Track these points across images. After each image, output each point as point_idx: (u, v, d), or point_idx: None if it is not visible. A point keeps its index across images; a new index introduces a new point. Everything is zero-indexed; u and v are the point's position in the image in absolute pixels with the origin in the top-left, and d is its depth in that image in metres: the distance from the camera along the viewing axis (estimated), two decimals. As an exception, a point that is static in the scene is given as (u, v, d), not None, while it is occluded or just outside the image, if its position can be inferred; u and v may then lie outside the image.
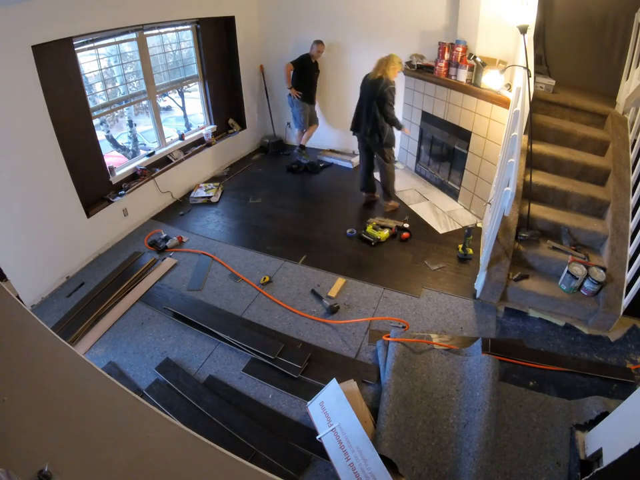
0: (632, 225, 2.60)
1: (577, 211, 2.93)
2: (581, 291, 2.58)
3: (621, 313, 2.46)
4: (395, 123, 3.64)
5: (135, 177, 3.86)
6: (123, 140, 5.17)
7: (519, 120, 2.48)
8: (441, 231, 3.68)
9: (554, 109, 3.28)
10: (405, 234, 3.55)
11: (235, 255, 3.43)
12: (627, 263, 2.54)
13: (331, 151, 5.34)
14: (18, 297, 1.10)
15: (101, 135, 4.03)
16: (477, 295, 2.86)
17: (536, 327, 2.63)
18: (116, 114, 5.12)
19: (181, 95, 5.78)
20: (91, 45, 3.27)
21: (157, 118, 4.13)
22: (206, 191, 4.38)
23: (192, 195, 4.33)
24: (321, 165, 5.03)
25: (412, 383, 2.20)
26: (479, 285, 2.87)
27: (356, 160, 5.08)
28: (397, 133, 3.88)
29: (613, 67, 3.53)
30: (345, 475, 1.77)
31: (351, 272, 3.17)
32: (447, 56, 3.87)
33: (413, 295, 2.93)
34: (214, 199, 4.28)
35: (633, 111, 3.01)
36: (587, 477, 1.50)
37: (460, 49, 3.66)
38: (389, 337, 2.44)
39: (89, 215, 3.34)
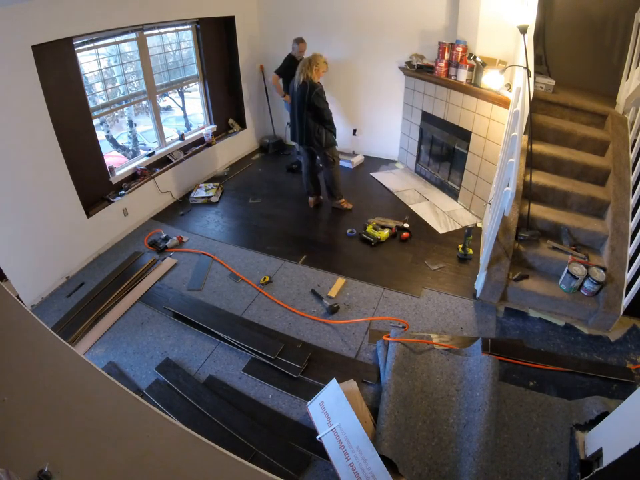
0: (632, 225, 2.60)
1: (577, 210, 2.93)
2: (581, 291, 2.58)
3: (621, 313, 2.46)
4: (332, 127, 3.60)
5: (135, 177, 3.86)
6: (123, 140, 5.17)
7: (519, 120, 2.48)
8: (441, 230, 3.68)
9: (554, 109, 3.28)
10: (405, 234, 3.55)
11: (234, 255, 3.43)
12: (627, 263, 2.54)
13: (331, 151, 5.33)
14: (18, 297, 1.10)
15: (101, 135, 4.04)
16: (477, 295, 2.86)
17: (536, 327, 2.63)
18: (116, 114, 5.13)
19: (181, 95, 5.78)
20: (91, 45, 3.27)
21: (157, 118, 4.13)
22: (206, 190, 4.38)
23: (192, 195, 4.33)
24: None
25: (412, 383, 2.20)
26: (478, 285, 2.87)
27: (356, 160, 5.08)
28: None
29: (613, 67, 3.53)
30: (345, 474, 1.77)
31: (351, 272, 3.17)
32: (447, 56, 3.87)
33: (413, 295, 2.93)
34: (214, 199, 4.28)
35: (633, 110, 3.01)
36: (587, 477, 1.50)
37: (460, 49, 3.66)
38: (388, 336, 2.44)
39: (89, 215, 3.35)
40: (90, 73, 3.47)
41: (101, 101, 3.59)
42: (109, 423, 0.89)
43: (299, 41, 4.36)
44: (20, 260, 2.82)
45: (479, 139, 3.66)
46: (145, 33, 3.72)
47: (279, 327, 2.70)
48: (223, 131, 5.08)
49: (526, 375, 2.29)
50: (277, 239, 3.67)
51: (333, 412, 1.97)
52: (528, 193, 2.84)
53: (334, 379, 2.08)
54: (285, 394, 2.25)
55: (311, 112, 3.48)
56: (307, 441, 1.99)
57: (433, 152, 4.53)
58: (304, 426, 2.08)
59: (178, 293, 3.00)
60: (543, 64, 3.86)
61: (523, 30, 2.59)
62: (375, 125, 5.12)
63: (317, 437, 1.94)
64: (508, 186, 2.36)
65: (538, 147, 3.04)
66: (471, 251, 3.31)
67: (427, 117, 4.40)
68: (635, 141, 2.86)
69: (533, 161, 2.93)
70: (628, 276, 2.47)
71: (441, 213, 3.97)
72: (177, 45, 4.37)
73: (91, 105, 3.35)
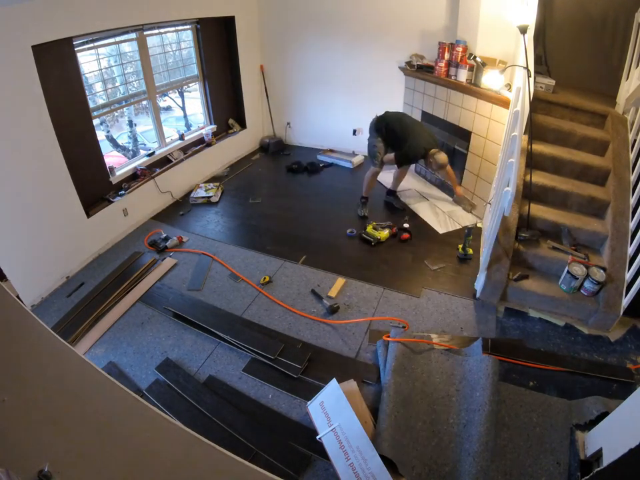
0: (632, 225, 2.59)
1: (577, 211, 2.93)
2: (581, 291, 2.58)
3: (621, 313, 2.46)
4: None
5: (135, 177, 3.86)
6: (123, 140, 5.18)
7: (519, 120, 2.48)
8: (441, 230, 3.68)
9: (554, 109, 3.27)
10: (405, 234, 3.55)
11: (234, 255, 3.43)
12: (627, 263, 2.54)
13: (331, 150, 5.34)
14: (18, 297, 1.10)
15: (101, 135, 4.03)
16: (477, 295, 2.86)
17: (536, 327, 2.63)
18: (116, 114, 5.13)
19: (181, 95, 5.78)
20: (91, 45, 3.27)
21: (157, 118, 4.13)
22: (206, 190, 4.38)
23: (192, 195, 4.33)
24: (320, 165, 5.03)
25: (412, 383, 2.20)
26: (478, 285, 2.87)
27: (356, 160, 5.08)
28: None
29: (613, 67, 3.53)
30: (345, 474, 1.77)
31: (351, 272, 3.17)
32: (447, 56, 3.87)
33: (413, 295, 2.93)
34: (214, 199, 4.28)
35: (633, 110, 3.01)
36: (586, 477, 1.50)
37: (460, 49, 3.66)
38: (388, 336, 2.44)
39: (89, 215, 3.35)
40: (90, 73, 3.47)
41: (100, 101, 3.59)
42: (109, 423, 0.89)
43: None
44: (20, 260, 2.82)
45: (479, 139, 3.66)
46: (145, 33, 3.72)
47: (279, 327, 2.70)
48: (222, 131, 5.08)
49: (526, 375, 2.29)
50: (276, 239, 3.67)
51: (333, 412, 1.97)
52: (528, 193, 2.84)
53: (334, 379, 2.08)
54: (285, 394, 2.25)
55: None
56: (307, 441, 1.99)
57: (433, 152, 4.53)
58: (304, 426, 2.08)
59: (178, 293, 3.00)
60: (543, 64, 3.86)
61: (523, 30, 2.59)
62: (375, 124, 5.12)
63: (317, 437, 1.94)
64: (508, 186, 2.36)
65: (538, 147, 3.04)
66: (470, 251, 3.31)
67: (427, 117, 4.40)
68: (635, 140, 2.86)
69: (533, 161, 2.93)
70: (628, 276, 2.47)
71: (440, 212, 3.97)
72: (177, 45, 4.37)
73: (91, 105, 3.35)
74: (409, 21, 4.27)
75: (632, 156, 2.85)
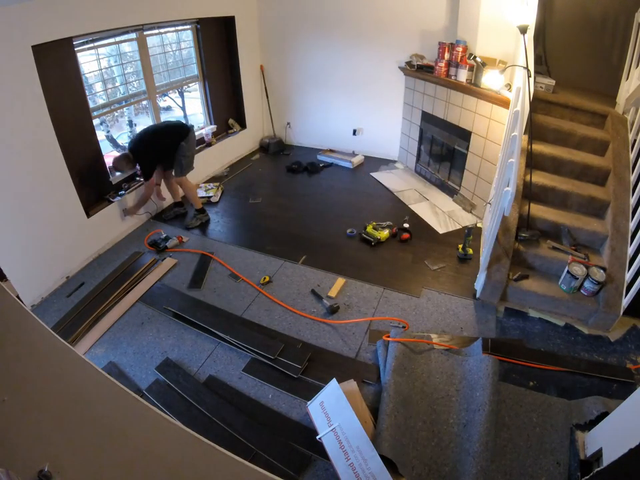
0: (632, 225, 2.59)
1: (577, 211, 2.93)
2: (581, 291, 2.58)
3: (621, 313, 2.46)
4: None
5: (135, 177, 3.86)
6: (123, 140, 5.17)
7: (519, 120, 2.48)
8: (441, 230, 3.68)
9: (554, 109, 3.28)
10: (405, 234, 3.55)
11: (234, 255, 3.43)
12: (627, 263, 2.54)
13: (331, 150, 5.35)
14: (18, 297, 1.10)
15: (100, 135, 4.03)
16: (477, 295, 2.86)
17: (536, 327, 2.63)
18: (116, 114, 5.12)
19: (181, 95, 5.77)
20: (91, 44, 3.27)
21: (157, 118, 4.13)
22: (206, 191, 4.38)
23: (192, 195, 4.33)
24: (320, 165, 5.03)
25: (412, 383, 2.20)
26: (478, 285, 2.87)
27: (356, 160, 5.08)
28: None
29: (613, 66, 3.53)
30: (345, 474, 1.77)
31: (351, 272, 3.17)
32: (447, 56, 3.87)
33: (413, 295, 2.93)
34: (214, 199, 4.28)
35: (633, 110, 3.01)
36: (586, 477, 1.50)
37: (460, 49, 3.67)
38: (388, 336, 2.44)
39: (89, 215, 3.34)
40: (90, 73, 3.47)
41: (100, 101, 3.59)
42: (109, 422, 0.89)
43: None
44: (20, 260, 2.82)
45: (479, 139, 3.66)
46: (145, 33, 3.72)
47: (279, 327, 2.70)
48: (223, 131, 5.08)
49: (526, 375, 2.29)
50: (277, 239, 3.67)
51: (333, 412, 1.97)
52: (528, 193, 2.84)
53: (334, 379, 2.08)
54: (285, 394, 2.25)
55: None
56: (307, 441, 1.99)
57: (433, 152, 4.53)
58: (304, 426, 2.08)
59: (178, 293, 3.00)
60: (543, 64, 3.86)
61: (523, 30, 2.59)
62: (375, 124, 5.13)
63: (317, 437, 1.94)
64: (508, 186, 2.36)
65: (538, 147, 3.04)
66: (470, 251, 3.31)
67: (427, 117, 4.40)
68: (635, 140, 2.86)
69: (533, 161, 2.93)
70: (628, 276, 2.47)
71: (440, 212, 3.97)
72: (177, 45, 4.37)
73: (91, 105, 3.35)
74: (409, 21, 4.27)
75: (632, 156, 2.85)
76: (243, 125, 5.31)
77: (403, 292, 2.96)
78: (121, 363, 2.46)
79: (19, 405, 0.78)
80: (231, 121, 5.20)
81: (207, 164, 4.78)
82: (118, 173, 3.60)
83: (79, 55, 3.14)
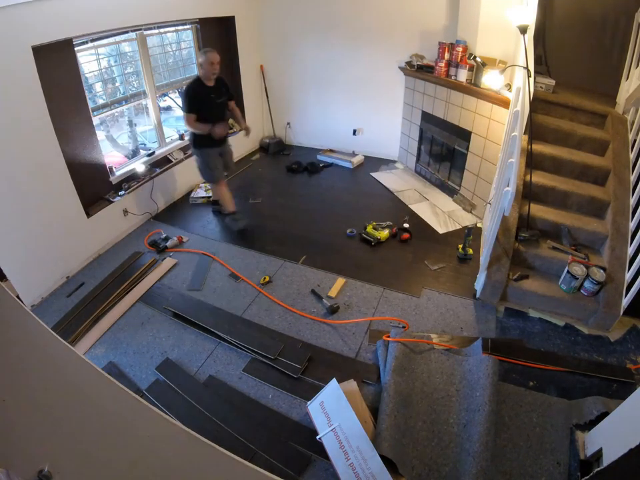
0: (632, 225, 2.59)
1: (577, 211, 2.93)
2: (581, 291, 2.58)
3: (621, 313, 2.46)
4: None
5: (135, 177, 3.86)
6: (123, 140, 5.17)
7: (519, 120, 2.48)
8: (441, 230, 3.68)
9: (554, 109, 3.28)
10: (405, 234, 3.54)
11: (234, 255, 3.43)
12: (627, 263, 2.54)
13: (331, 150, 5.34)
14: (18, 297, 1.10)
15: (100, 134, 4.03)
16: (477, 295, 2.86)
17: (536, 327, 2.63)
18: (116, 114, 5.12)
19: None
20: (91, 44, 3.26)
21: (157, 118, 4.13)
22: (206, 191, 4.38)
23: (192, 195, 4.33)
24: (320, 165, 5.03)
25: (412, 383, 2.20)
26: (479, 285, 2.87)
27: (356, 160, 5.08)
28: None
29: (613, 67, 3.53)
30: (345, 475, 1.77)
31: (351, 272, 3.17)
32: (447, 56, 3.87)
33: (413, 295, 2.93)
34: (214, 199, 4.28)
35: (633, 110, 3.01)
36: (586, 477, 1.50)
37: (460, 49, 3.66)
38: (388, 337, 2.44)
39: (89, 215, 3.35)
40: (90, 73, 3.47)
41: (101, 101, 3.59)
42: (109, 422, 0.89)
43: (207, 52, 3.11)
44: (20, 260, 2.82)
45: (479, 139, 3.66)
46: (145, 32, 3.72)
47: (279, 327, 2.70)
48: (223, 131, 5.07)
49: (526, 375, 2.29)
50: (277, 238, 3.67)
51: (333, 412, 1.97)
52: (528, 193, 2.84)
53: (334, 379, 2.08)
54: (285, 394, 2.25)
55: None
56: (307, 441, 1.99)
57: (433, 152, 4.53)
58: (304, 426, 2.08)
59: (178, 293, 3.00)
60: (543, 64, 3.86)
61: (523, 30, 2.59)
62: (375, 124, 5.13)
63: (317, 437, 1.94)
64: (508, 186, 2.36)
65: (538, 147, 3.04)
66: (470, 251, 3.31)
67: (427, 117, 4.40)
68: (635, 140, 2.86)
69: (533, 161, 2.93)
70: (628, 276, 2.47)
71: (440, 213, 3.98)
72: (177, 45, 4.37)
73: (91, 105, 3.35)
74: (409, 21, 4.27)
75: (632, 156, 2.85)
76: (243, 125, 5.30)
77: (403, 292, 2.96)
78: (120, 363, 2.46)
79: (19, 405, 0.78)
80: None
81: (207, 164, 4.78)
82: (118, 173, 3.59)
83: (78, 55, 3.13)
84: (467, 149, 3.84)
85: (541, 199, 2.96)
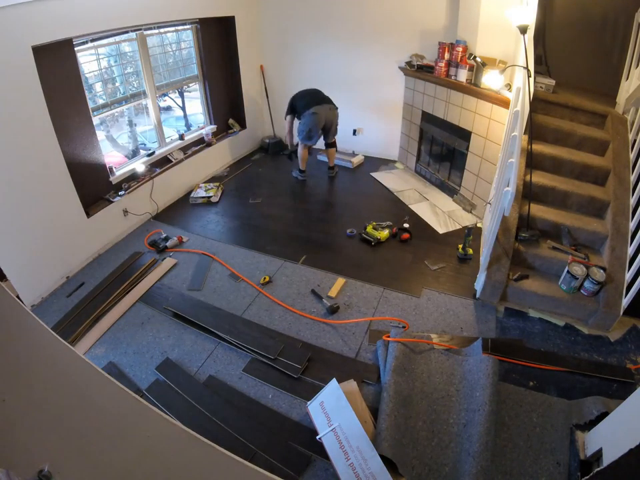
0: (632, 225, 2.60)
1: (577, 211, 2.93)
2: (581, 291, 2.58)
3: (621, 313, 2.46)
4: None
5: (135, 177, 3.86)
6: (123, 140, 5.17)
7: (519, 120, 2.48)
8: (441, 230, 3.68)
9: (554, 109, 3.28)
10: (405, 234, 3.54)
11: (234, 255, 3.43)
12: (627, 263, 2.54)
13: (331, 150, 5.33)
14: (18, 296, 1.10)
15: (100, 135, 4.03)
16: (477, 295, 2.86)
17: (536, 327, 2.63)
18: (116, 114, 5.12)
19: (181, 94, 5.77)
20: (91, 44, 3.26)
21: (157, 118, 4.13)
22: (206, 191, 4.38)
23: (192, 195, 4.33)
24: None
25: (412, 383, 2.21)
26: (478, 285, 2.87)
27: (356, 160, 5.08)
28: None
29: (613, 66, 3.53)
30: (345, 475, 1.77)
31: (351, 272, 3.17)
32: (447, 56, 3.87)
33: (413, 295, 2.93)
34: (214, 199, 4.29)
35: (633, 110, 3.01)
36: (586, 477, 1.50)
37: (460, 49, 3.66)
38: (388, 337, 2.44)
39: (89, 215, 3.35)
40: (90, 73, 3.47)
41: (101, 101, 3.59)
42: (109, 422, 0.89)
43: None
44: (20, 260, 2.82)
45: (479, 139, 3.66)
46: (145, 32, 3.72)
47: (279, 327, 2.70)
48: (222, 131, 5.08)
49: (526, 375, 2.29)
50: (277, 239, 3.67)
51: (333, 412, 1.97)
52: (528, 193, 2.84)
53: (334, 379, 2.08)
54: (285, 394, 2.25)
55: None
56: (307, 441, 1.99)
57: (433, 152, 4.53)
58: (304, 426, 2.08)
59: (178, 292, 3.00)
60: (543, 64, 3.86)
61: (523, 30, 2.59)
62: (375, 124, 5.13)
63: (317, 437, 1.94)
64: (508, 186, 2.36)
65: (538, 147, 3.05)
66: (470, 251, 3.31)
67: (427, 117, 4.40)
68: (635, 140, 2.86)
69: (533, 161, 2.93)
70: (628, 276, 2.47)
71: (440, 213, 3.98)
72: (177, 45, 4.37)
73: (91, 105, 3.35)
74: (409, 21, 4.27)
75: (632, 156, 2.85)
76: (243, 125, 5.31)
77: (403, 292, 2.96)
78: (120, 363, 2.46)
79: (19, 405, 0.78)
80: (231, 121, 5.20)
81: (207, 164, 4.79)
82: (118, 173, 3.62)
83: (78, 55, 3.14)
84: (467, 149, 3.84)
85: (541, 199, 2.96)
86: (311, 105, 4.22)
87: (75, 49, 3.08)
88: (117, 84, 3.89)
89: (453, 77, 3.80)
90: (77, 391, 0.94)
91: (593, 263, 2.58)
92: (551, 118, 3.23)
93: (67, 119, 3.08)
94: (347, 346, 2.54)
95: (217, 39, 4.66)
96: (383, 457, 1.77)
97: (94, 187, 3.46)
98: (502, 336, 2.57)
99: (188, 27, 4.28)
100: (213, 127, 4.84)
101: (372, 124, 5.14)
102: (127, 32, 3.54)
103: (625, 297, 2.45)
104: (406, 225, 3.67)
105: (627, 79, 3.15)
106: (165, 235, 3.62)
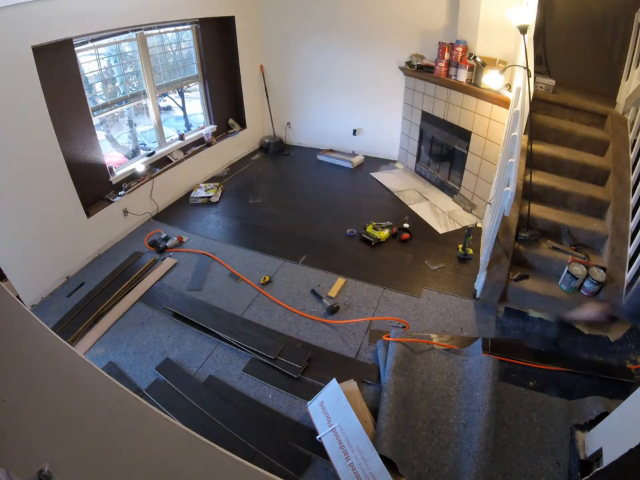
0: (632, 225, 2.59)
1: (577, 211, 2.93)
2: (581, 291, 2.58)
3: (621, 313, 2.45)
4: None
5: (135, 177, 3.86)
6: (123, 140, 5.17)
7: (519, 120, 2.48)
8: (441, 230, 3.68)
9: (554, 109, 3.27)
10: (405, 234, 3.54)
11: (234, 255, 3.43)
12: (627, 263, 2.54)
13: (331, 150, 5.34)
14: (18, 296, 1.10)
15: (100, 134, 4.03)
16: (477, 295, 2.86)
17: (536, 327, 2.63)
18: (116, 114, 5.13)
19: (181, 94, 5.77)
20: (91, 44, 3.26)
21: (157, 118, 4.13)
22: (206, 191, 4.38)
23: (192, 195, 4.33)
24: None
25: (412, 383, 2.20)
26: (479, 285, 2.87)
27: (356, 160, 5.08)
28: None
29: (613, 67, 3.53)
30: (345, 475, 1.77)
31: (351, 272, 3.17)
32: (447, 56, 3.87)
33: (413, 295, 2.93)
34: (214, 199, 4.29)
35: (633, 111, 3.01)
36: (586, 477, 1.50)
37: (460, 49, 3.66)
38: (388, 337, 2.44)
39: (89, 215, 3.35)
40: (90, 73, 3.47)
41: (101, 101, 3.59)
42: (109, 423, 0.89)
43: None
44: (20, 260, 2.82)
45: (479, 139, 3.66)
46: (145, 32, 3.72)
47: (279, 327, 2.70)
48: (223, 131, 5.08)
49: (526, 375, 2.29)
50: (276, 239, 3.67)
51: (333, 412, 1.97)
52: (528, 193, 2.84)
53: (334, 379, 2.08)
54: (285, 394, 2.25)
55: None
56: (307, 441, 1.99)
57: (433, 152, 4.53)
58: (304, 426, 2.08)
59: (178, 292, 3.00)
60: (543, 64, 3.86)
61: (523, 30, 2.59)
62: (375, 125, 5.13)
63: (317, 437, 1.94)
64: (508, 186, 2.36)
65: (538, 147, 3.04)
66: (470, 251, 3.31)
67: (427, 117, 4.40)
68: (635, 140, 2.85)
69: (533, 161, 2.93)
70: (628, 276, 2.47)
71: (440, 213, 3.98)
72: (177, 45, 4.37)
73: (91, 105, 3.35)
74: (409, 21, 4.27)
75: (632, 156, 2.85)
76: (243, 125, 5.31)
77: (403, 292, 2.96)
78: (120, 363, 2.46)
79: (19, 405, 0.78)
80: (231, 121, 5.20)
81: (207, 164, 4.79)
82: (118, 173, 3.62)
83: (78, 55, 3.14)
84: (467, 148, 3.84)
85: (541, 199, 2.96)
86: None
87: (75, 49, 3.08)
88: (117, 84, 3.89)
89: (453, 77, 3.80)
90: (77, 391, 0.94)
91: (593, 263, 2.58)
92: (551, 118, 3.23)
93: (67, 119, 3.08)
94: (347, 346, 2.54)
95: (217, 39, 4.66)
96: (383, 457, 1.77)
97: (94, 187, 3.46)
98: (502, 336, 2.56)
99: (188, 27, 4.28)
100: (213, 127, 4.84)
101: (372, 124, 5.14)
102: (126, 32, 3.54)
103: (625, 296, 2.44)
104: (406, 225, 3.67)
105: (627, 79, 3.15)
106: (165, 235, 3.62)
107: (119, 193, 3.62)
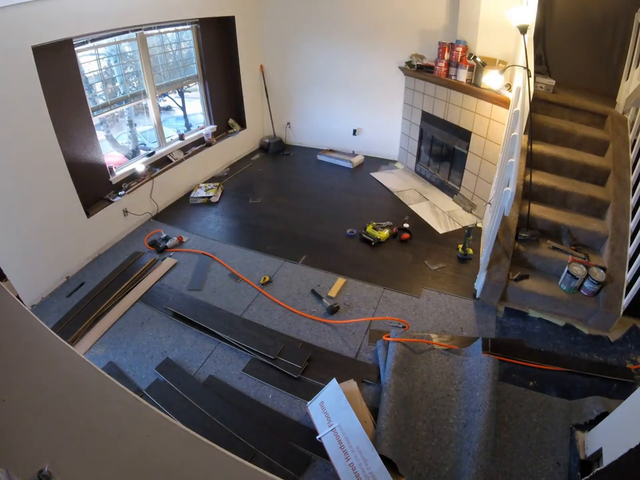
0: (632, 225, 2.60)
1: (577, 211, 2.93)
2: (581, 291, 2.58)
3: (621, 313, 2.46)
4: None
5: (135, 177, 3.86)
6: (123, 140, 5.17)
7: (519, 120, 2.48)
8: (441, 230, 3.68)
9: (554, 109, 3.28)
10: (405, 234, 3.54)
11: (234, 255, 3.43)
12: (627, 263, 2.54)
13: (331, 150, 5.35)
14: (18, 297, 1.10)
15: (100, 135, 4.03)
16: (477, 295, 2.86)
17: (536, 327, 2.63)
18: (116, 114, 5.13)
19: (181, 94, 5.77)
20: (91, 44, 3.26)
21: (157, 118, 4.13)
22: (206, 191, 4.38)
23: (192, 195, 4.33)
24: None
25: (412, 383, 2.20)
26: (479, 285, 2.87)
27: (356, 160, 5.08)
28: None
29: (613, 67, 3.53)
30: (345, 474, 1.77)
31: (351, 272, 3.17)
32: (447, 56, 3.87)
33: (413, 295, 2.93)
34: (214, 199, 4.29)
35: (633, 111, 3.01)
36: (586, 477, 1.50)
37: (460, 49, 3.66)
38: (388, 336, 2.44)
39: (89, 215, 3.35)
40: (90, 73, 3.47)
41: (101, 101, 3.59)
42: (109, 422, 0.89)
43: None
44: (20, 260, 2.82)
45: (479, 139, 3.66)
46: (145, 32, 3.72)
47: (279, 327, 2.70)
48: (223, 131, 5.08)
49: (526, 375, 2.29)
50: (277, 239, 3.67)
51: (333, 412, 1.97)
52: (528, 193, 2.84)
53: (334, 379, 2.08)
54: (285, 394, 2.25)
55: None
56: (307, 441, 1.99)
57: (433, 152, 4.53)
58: (304, 426, 2.08)
59: (178, 292, 3.00)
60: (543, 64, 3.86)
61: (523, 30, 2.59)
62: (375, 125, 5.13)
63: (317, 437, 1.94)
64: (508, 186, 2.36)
65: (538, 147, 3.04)
66: (470, 251, 3.31)
67: (427, 117, 4.40)
68: (635, 140, 2.86)
69: (533, 161, 2.93)
70: (628, 276, 2.47)
71: (440, 212, 3.98)
72: (177, 45, 4.37)
73: (91, 105, 3.35)
74: (409, 21, 4.27)
75: (632, 156, 2.85)
76: (243, 125, 5.31)
77: (403, 292, 2.96)
78: (120, 363, 2.46)
79: (19, 405, 0.78)
80: (231, 121, 5.20)
81: (207, 164, 4.79)
82: (118, 173, 3.62)
83: (78, 55, 3.14)
84: (467, 148, 3.84)
85: (541, 199, 2.96)
86: None
87: (75, 49, 3.08)
88: (117, 84, 3.89)
89: (453, 77, 3.80)
90: (77, 391, 0.94)
91: (593, 263, 2.58)
92: (551, 118, 3.23)
93: (67, 119, 3.08)
94: (347, 346, 2.54)
95: (217, 39, 4.66)
96: (383, 457, 1.77)
97: (94, 186, 3.46)
98: (502, 336, 2.57)
99: (188, 27, 4.28)
100: (212, 127, 4.84)
101: (372, 124, 5.14)
102: (126, 32, 3.54)
103: (625, 297, 2.45)
104: (406, 225, 3.67)
105: (627, 79, 3.15)
106: (164, 235, 3.62)
107: (119, 193, 3.62)
